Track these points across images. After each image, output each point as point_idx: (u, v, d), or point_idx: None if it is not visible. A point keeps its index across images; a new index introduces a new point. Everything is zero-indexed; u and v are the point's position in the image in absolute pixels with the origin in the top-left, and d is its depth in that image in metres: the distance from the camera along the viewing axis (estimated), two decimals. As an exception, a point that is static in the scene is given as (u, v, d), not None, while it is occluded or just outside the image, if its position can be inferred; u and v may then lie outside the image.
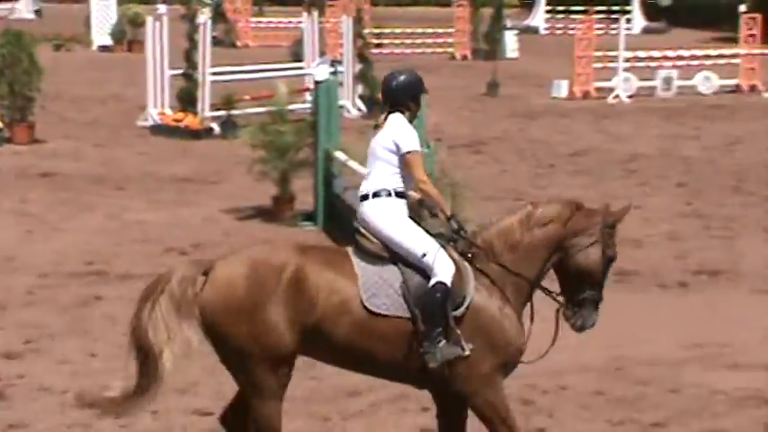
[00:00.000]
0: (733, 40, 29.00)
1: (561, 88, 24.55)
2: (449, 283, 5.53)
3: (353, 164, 10.88)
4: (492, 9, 31.19)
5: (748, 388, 7.59)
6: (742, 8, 27.09)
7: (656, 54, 26.13)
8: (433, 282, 5.54)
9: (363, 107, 20.92)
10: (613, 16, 41.72)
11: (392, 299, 5.57)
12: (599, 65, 24.97)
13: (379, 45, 32.42)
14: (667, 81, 25.41)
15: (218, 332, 5.49)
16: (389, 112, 5.91)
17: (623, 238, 11.43)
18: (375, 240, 5.70)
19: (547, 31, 48.02)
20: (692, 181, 15.14)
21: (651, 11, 51.38)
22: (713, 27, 49.90)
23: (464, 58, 34.58)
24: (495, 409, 5.59)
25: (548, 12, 49.87)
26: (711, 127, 20.45)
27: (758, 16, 26.26)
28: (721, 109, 23.18)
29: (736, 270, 10.61)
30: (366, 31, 24.64)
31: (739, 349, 8.36)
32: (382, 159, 5.83)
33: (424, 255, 5.60)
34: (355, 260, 5.67)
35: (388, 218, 5.72)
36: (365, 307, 5.53)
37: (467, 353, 5.52)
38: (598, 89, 24.62)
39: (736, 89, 25.79)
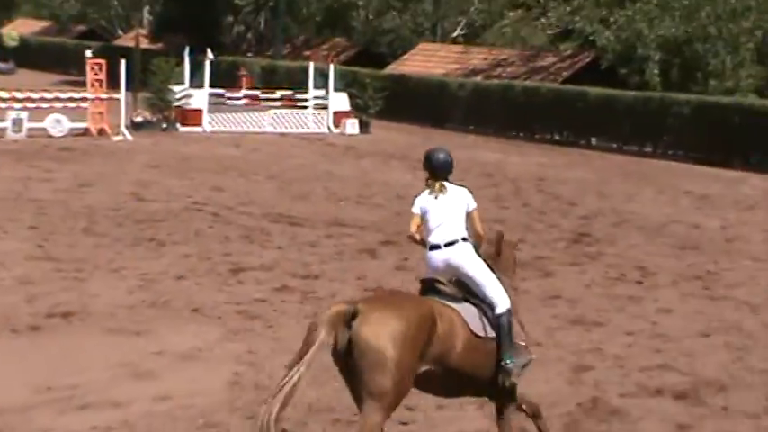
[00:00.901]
0: (81, 84, 29.48)
1: None
2: (510, 309, 7.10)
3: None
4: None
5: (99, 426, 7.76)
6: (88, 53, 27.65)
7: (4, 95, 25.75)
8: (502, 309, 7.06)
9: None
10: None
11: (483, 324, 6.98)
12: (-57, 105, 24.05)
13: None
14: (17, 123, 25.15)
15: (378, 361, 6.26)
16: (439, 180, 7.52)
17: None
18: (451, 285, 7.11)
19: None
20: (45, 223, 15.11)
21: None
22: (62, 70, 50.32)
23: None
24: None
25: None
26: (63, 169, 20.60)
27: (103, 62, 27.00)
28: (72, 151, 23.43)
29: (88, 311, 10.74)
30: None
31: (89, 389, 8.48)
32: (455, 215, 7.40)
33: (492, 287, 7.12)
34: (444, 301, 6.95)
35: (472, 257, 7.27)
36: (472, 332, 6.86)
37: (534, 356, 7.32)
38: (-57, 130, 23.67)
39: (86, 132, 26.28)
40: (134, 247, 13.94)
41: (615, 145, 30.51)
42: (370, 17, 48.25)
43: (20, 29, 60.82)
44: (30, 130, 25.34)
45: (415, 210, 7.58)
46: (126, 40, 54.24)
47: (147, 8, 57.72)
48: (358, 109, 31.86)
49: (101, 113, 26.77)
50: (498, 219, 17.53)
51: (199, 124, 29.22)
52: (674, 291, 12.93)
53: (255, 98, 31.12)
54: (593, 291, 12.75)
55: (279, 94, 31.43)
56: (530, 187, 21.93)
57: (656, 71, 33.89)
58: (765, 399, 9.01)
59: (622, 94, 30.85)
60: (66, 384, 8.57)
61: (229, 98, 30.47)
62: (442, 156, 7.69)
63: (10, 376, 8.69)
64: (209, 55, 29.68)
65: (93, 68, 26.92)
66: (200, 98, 29.34)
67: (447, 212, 7.43)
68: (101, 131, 26.42)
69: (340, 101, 31.35)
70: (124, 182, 19.53)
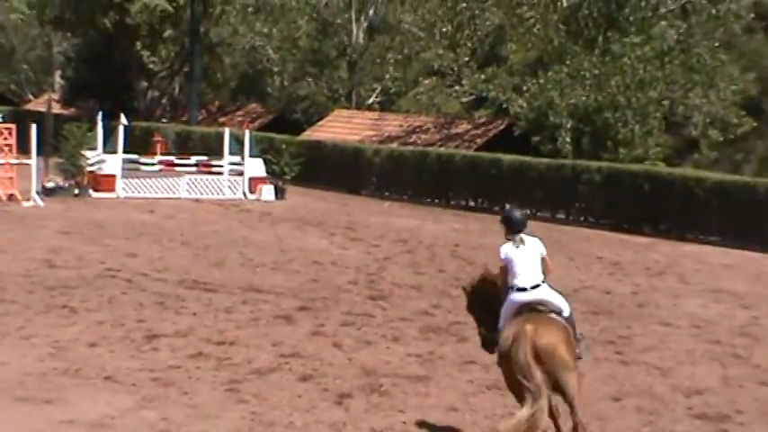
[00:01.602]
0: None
1: None
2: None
3: None
4: None
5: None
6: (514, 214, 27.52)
7: None
8: (569, 314, 9.22)
9: None
10: None
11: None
12: None
13: None
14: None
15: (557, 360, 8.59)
16: (518, 234, 9.21)
17: None
18: (546, 307, 9.12)
19: None
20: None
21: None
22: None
23: None
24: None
25: None
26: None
27: (13, 127, 26.72)
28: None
29: (-2, 379, 10.56)
30: None
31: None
32: (534, 262, 9.16)
33: (563, 302, 9.25)
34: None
35: (554, 294, 9.23)
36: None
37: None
38: None
39: (-4, 198, 25.89)
40: (45, 314, 13.70)
41: (528, 211, 30.93)
42: (286, 83, 48.55)
43: (-74, 92, 59.85)
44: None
45: (503, 256, 9.21)
46: (37, 105, 53.75)
47: (58, 72, 57.33)
48: (274, 175, 31.91)
49: (11, 178, 26.41)
50: (414, 284, 17.65)
51: (112, 190, 28.96)
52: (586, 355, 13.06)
53: (170, 164, 30.99)
54: (509, 356, 12.82)
55: (194, 159, 31.37)
56: (445, 253, 22.09)
57: (567, 139, 34.56)
58: (677, 461, 9.12)
59: (535, 162, 31.35)
60: (-27, 455, 8.36)
61: (143, 163, 30.29)
62: (518, 214, 9.37)
63: None
64: (123, 120, 29.53)
65: (2, 133, 26.61)
66: (113, 163, 29.12)
67: (528, 260, 9.15)
68: (11, 197, 26.05)
69: (256, 167, 31.37)
70: (35, 248, 19.23)
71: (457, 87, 41.38)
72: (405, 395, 10.75)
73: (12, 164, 26.46)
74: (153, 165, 30.60)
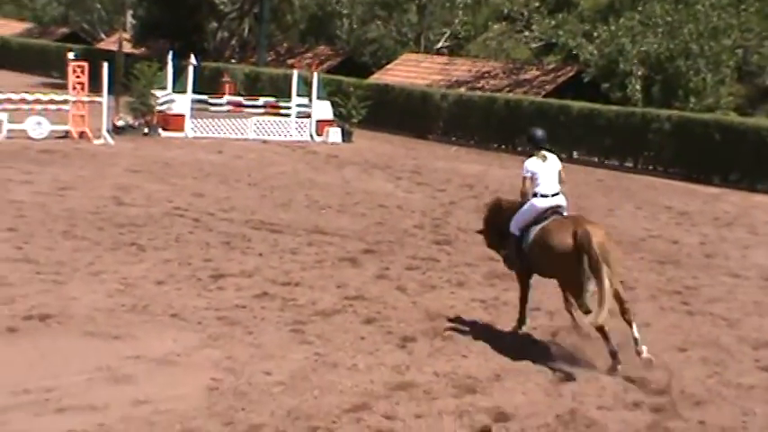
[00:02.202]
0: (63, 87, 29.39)
1: None
2: None
3: None
4: None
5: (75, 430, 7.73)
6: (70, 55, 27.55)
7: (-15, 96, 25.66)
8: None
9: None
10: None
11: None
12: None
13: None
14: (-3, 124, 25.08)
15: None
16: (542, 150, 10.94)
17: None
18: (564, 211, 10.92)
19: None
20: (23, 226, 15.04)
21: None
22: (43, 72, 50.16)
23: None
24: None
25: None
26: (43, 172, 20.52)
27: (85, 65, 26.90)
28: (53, 154, 23.35)
29: (67, 314, 10.71)
30: None
31: (66, 393, 8.45)
32: (554, 174, 10.86)
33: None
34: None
35: (564, 200, 10.95)
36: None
37: None
38: None
39: (67, 135, 26.19)
40: (114, 251, 13.89)
41: (596, 159, 30.61)
42: (355, 26, 48.31)
43: (1, 30, 60.60)
44: (10, 131, 25.25)
45: (527, 173, 10.85)
46: (109, 44, 54.18)
47: (130, 12, 57.60)
48: (341, 117, 31.88)
49: (82, 116, 26.69)
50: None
51: (181, 129, 29.17)
52: (652, 305, 12.97)
53: (238, 104, 31.09)
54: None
55: (262, 101, 31.42)
56: (510, 198, 21.94)
57: (638, 86, 34.07)
58: (742, 414, 9.05)
59: (605, 109, 30.96)
60: (42, 387, 8.53)
61: (212, 104, 30.43)
62: (540, 133, 11.12)
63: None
64: (193, 60, 29.63)
65: (75, 71, 26.83)
66: (182, 103, 29.29)
67: (550, 172, 10.87)
68: (82, 135, 26.35)
69: (323, 109, 31.36)
70: (105, 186, 19.47)
71: (526, 33, 40.92)
72: (468, 340, 10.75)
73: (83, 102, 26.73)
74: (221, 105, 30.73)
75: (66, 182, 19.51)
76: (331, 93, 32.60)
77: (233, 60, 47.10)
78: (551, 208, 10.75)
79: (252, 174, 22.78)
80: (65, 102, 26.69)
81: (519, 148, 32.41)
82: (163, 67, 29.61)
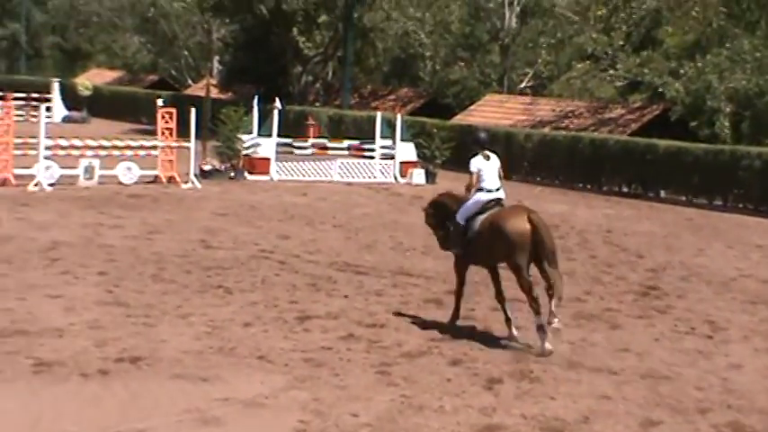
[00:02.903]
0: (152, 133, 29.94)
1: (-21, 175, 23.82)
2: None
3: None
4: None
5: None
6: (159, 102, 28.11)
7: (77, 143, 26.24)
8: None
9: None
10: (33, 103, 41.27)
11: None
12: (19, 152, 24.56)
13: None
14: (89, 170, 25.59)
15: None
16: (485, 150, 12.94)
17: (45, 329, 11.44)
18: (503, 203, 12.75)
19: (-38, 116, 46.33)
20: (114, 269, 15.29)
21: (72, 100, 51.45)
22: (133, 119, 51.18)
23: None
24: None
25: (-34, 96, 48.14)
26: (132, 216, 20.88)
27: (174, 111, 27.41)
28: (142, 199, 23.76)
29: (157, 356, 10.82)
30: None
31: (155, 433, 8.54)
32: (497, 171, 12.77)
33: None
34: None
35: (504, 194, 12.78)
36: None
37: None
38: (18, 176, 24.17)
39: (156, 180, 26.65)
40: (202, 294, 14.04)
41: (684, 198, 30.21)
42: (438, 68, 48.51)
43: (94, 79, 62.04)
44: (101, 177, 25.77)
45: (474, 169, 12.74)
46: (196, 90, 55.14)
47: (216, 58, 58.64)
48: (425, 159, 31.95)
49: (170, 161, 27.15)
50: (565, 271, 17.41)
51: (266, 173, 29.50)
52: (745, 346, 12.69)
53: (323, 147, 31.37)
54: (662, 344, 12.56)
55: (346, 143, 31.66)
56: (597, 239, 21.76)
57: (726, 123, 33.60)
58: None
59: (692, 147, 30.57)
60: (134, 429, 8.62)
61: (297, 147, 30.74)
62: (484, 135, 13.47)
63: (80, 420, 8.77)
64: (278, 104, 30.02)
65: (163, 117, 27.35)
66: (268, 147, 29.65)
67: (492, 170, 12.77)
68: (170, 179, 26.79)
69: (407, 151, 31.49)
70: (192, 229, 19.74)
71: (611, 71, 40.67)
72: (555, 382, 10.63)
73: (172, 147, 27.20)
74: (306, 148, 31.03)
75: (155, 226, 19.81)
76: (415, 134, 32.72)
77: (317, 104, 47.61)
78: (494, 200, 12.65)
79: (336, 215, 22.91)
80: (154, 147, 27.20)
81: (604, 188, 32.15)
82: (248, 112, 30.03)
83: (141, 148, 27.41)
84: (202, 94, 36.26)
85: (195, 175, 27.05)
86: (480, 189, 12.62)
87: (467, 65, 47.52)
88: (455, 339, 12.18)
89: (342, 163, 30.94)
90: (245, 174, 29.09)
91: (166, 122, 27.30)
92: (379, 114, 32.59)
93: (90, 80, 58.50)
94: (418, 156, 31.86)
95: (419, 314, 13.53)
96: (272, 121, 29.71)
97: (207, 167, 28.64)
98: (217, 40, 58.40)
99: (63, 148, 25.80)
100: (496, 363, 11.24)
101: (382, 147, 31.45)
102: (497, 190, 12.66)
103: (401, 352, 11.53)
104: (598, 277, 17.05)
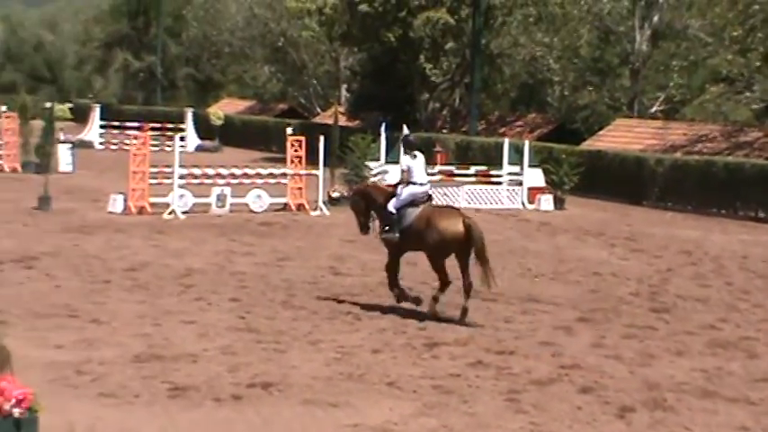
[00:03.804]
0: (281, 161, 30.39)
1: (117, 203, 24.48)
2: None
3: None
4: (43, 122, 30.51)
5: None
6: (289, 130, 28.54)
7: (210, 172, 26.77)
8: None
9: None
10: (168, 133, 42.39)
11: None
12: (154, 181, 25.20)
13: None
14: (221, 198, 26.11)
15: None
16: (413, 151, 14.88)
17: (179, 354, 11.68)
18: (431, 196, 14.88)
19: (102, 146, 47.86)
20: (245, 296, 15.54)
21: (204, 129, 52.65)
22: (263, 147, 52.09)
23: (14, 170, 33.59)
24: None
25: (102, 127, 49.71)
26: (263, 243, 21.20)
27: (303, 139, 27.79)
28: (272, 226, 24.11)
29: (287, 382, 10.93)
30: None
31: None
32: (423, 168, 14.61)
33: None
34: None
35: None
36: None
37: None
38: (154, 204, 24.78)
39: (285, 207, 27.03)
40: (331, 320, 14.16)
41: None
42: (566, 93, 48.13)
43: (225, 108, 63.44)
44: (233, 205, 26.25)
45: (404, 167, 14.76)
46: (324, 118, 55.87)
47: (344, 86, 59.35)
48: (553, 185, 31.69)
49: (300, 189, 27.52)
50: (699, 297, 17.04)
51: (394, 200, 29.58)
52: None
53: (450, 174, 31.38)
54: (803, 374, 12.16)
55: (473, 169, 31.62)
56: (732, 265, 21.23)
57: None
58: None
59: (831, 170, 29.62)
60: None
61: (424, 174, 30.75)
62: (413, 138, 16.27)
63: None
64: (405, 131, 30.17)
65: (293, 145, 27.76)
66: (395, 174, 29.73)
67: (421, 167, 14.73)
68: (300, 207, 27.14)
69: (535, 177, 31.28)
70: (321, 256, 19.94)
71: (747, 94, 39.73)
72: (690, 411, 10.38)
73: (301, 175, 27.57)
74: (433, 175, 31.04)
75: (285, 253, 20.07)
76: (542, 160, 32.50)
77: (444, 130, 47.70)
78: (424, 192, 14.65)
79: (465, 242, 22.80)
80: (283, 175, 27.61)
81: (740, 213, 31.35)
82: (376, 139, 30.25)
83: (271, 176, 27.85)
84: (331, 122, 36.68)
85: (324, 203, 27.35)
86: (413, 183, 14.61)
87: (596, 89, 47.05)
88: (585, 367, 12.00)
89: (469, 189, 30.89)
90: (373, 201, 29.20)
91: (296, 150, 27.70)
92: (506, 140, 32.49)
93: (221, 110, 59.83)
94: (546, 182, 31.61)
95: (548, 341, 13.38)
96: (400, 149, 29.80)
97: (335, 194, 28.91)
98: (344, 69, 59.12)
99: (196, 176, 26.37)
100: (628, 391, 11.04)
101: (510, 173, 31.32)
102: (426, 184, 14.74)
103: (530, 379, 11.41)
104: (734, 304, 16.61)
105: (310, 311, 14.67)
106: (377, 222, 15.23)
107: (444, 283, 14.49)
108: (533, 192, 31.13)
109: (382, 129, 30.35)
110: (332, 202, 28.31)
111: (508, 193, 31.17)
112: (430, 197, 14.82)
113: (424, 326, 14.00)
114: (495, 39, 47.21)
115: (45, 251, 18.55)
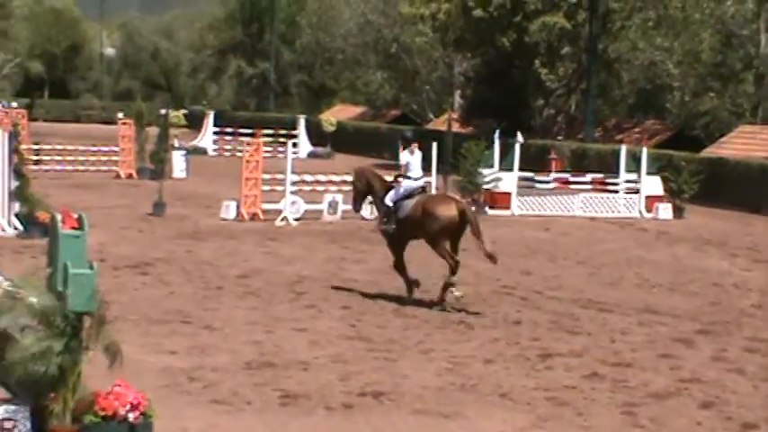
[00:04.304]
0: (394, 168, 30.31)
1: (230, 209, 24.72)
2: None
3: (9, 286, 10.21)
4: (158, 128, 31.07)
5: None
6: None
7: (321, 178, 26.88)
8: None
9: (20, 226, 19.97)
10: (281, 140, 42.76)
11: None
12: (267, 187, 25.40)
13: (38, 162, 31.55)
14: (333, 205, 26.16)
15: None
16: (410, 146, 16.04)
17: (291, 362, 11.68)
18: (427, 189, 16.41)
19: (215, 153, 48.53)
20: (357, 304, 15.50)
21: (316, 136, 52.98)
22: (376, 154, 52.19)
23: (129, 176, 34.24)
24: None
25: (216, 134, 50.39)
26: (374, 251, 21.12)
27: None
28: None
29: (399, 391, 10.84)
30: (24, 146, 23.82)
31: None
32: (420, 163, 15.86)
33: None
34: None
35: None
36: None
37: None
38: (266, 211, 24.97)
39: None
40: (443, 330, 14.02)
41: None
42: (686, 99, 47.13)
43: (338, 114, 63.81)
44: (344, 212, 26.27)
45: (404, 161, 15.98)
46: (437, 124, 55.77)
47: (457, 92, 59.14)
48: (672, 193, 31.00)
49: (413, 196, 27.35)
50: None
51: (508, 207, 29.35)
52: None
53: (565, 181, 30.96)
54: None
55: (589, 177, 31.14)
56: None
57: None
58: None
59: None
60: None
61: (538, 181, 30.47)
62: (410, 134, 16.72)
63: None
64: (519, 138, 29.88)
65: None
66: (509, 181, 29.52)
67: (418, 162, 15.87)
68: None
69: (653, 185, 30.64)
70: (433, 263, 19.75)
71: None
72: (818, 430, 9.95)
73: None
74: (548, 182, 30.71)
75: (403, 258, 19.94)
76: (661, 168, 31.81)
77: (559, 137, 47.13)
78: (420, 187, 15.78)
79: (579, 251, 22.49)
80: (396, 182, 27.48)
81: None
82: (489, 146, 30.00)
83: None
84: (443, 128, 36.58)
85: (437, 210, 27.15)
86: (408, 177, 15.73)
87: (717, 95, 45.94)
88: (705, 381, 11.64)
89: (584, 197, 30.41)
90: (486, 208, 29.02)
91: (409, 157, 27.54)
92: (623, 147, 31.89)
93: (334, 116, 60.18)
94: (665, 190, 30.93)
95: (667, 354, 13.02)
96: (514, 155, 29.57)
97: (448, 202, 28.69)
98: (458, 75, 58.91)
99: (308, 183, 26.51)
100: (751, 407, 10.66)
101: (627, 181, 30.73)
102: (421, 178, 15.87)
103: (648, 392, 11.11)
104: None
105: (422, 320, 14.56)
106: (375, 213, 16.92)
107: (452, 265, 15.20)
108: (651, 200, 30.47)
109: (496, 135, 30.08)
110: (445, 209, 28.08)
111: (625, 202, 30.59)
112: (424, 189, 16.02)
113: (538, 336, 13.76)
114: (612, 43, 46.46)
115: (159, 257, 18.80)
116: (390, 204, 15.75)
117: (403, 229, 15.65)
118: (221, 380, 10.96)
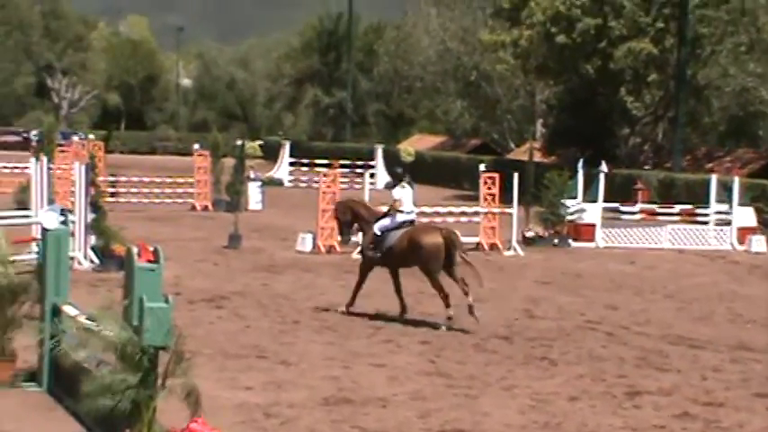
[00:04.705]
0: (474, 198, 29.94)
1: (306, 242, 24.52)
2: None
3: (84, 319, 10.09)
4: (234, 160, 31.08)
5: None
6: (482, 167, 28.01)
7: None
8: None
9: (96, 259, 19.96)
10: (358, 171, 42.55)
11: None
12: (345, 219, 25.10)
13: (113, 194, 31.79)
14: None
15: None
16: (403, 181, 16.96)
17: (369, 398, 11.35)
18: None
19: (291, 184, 48.51)
20: (436, 338, 15.12)
21: (394, 166, 52.52)
22: (455, 184, 51.73)
23: (205, 208, 34.28)
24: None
25: (292, 164, 50.36)
26: (454, 284, 20.63)
27: (497, 176, 27.19)
28: (463, 267, 23.51)
29: (480, 429, 10.49)
30: (100, 178, 23.93)
31: None
32: (411, 198, 16.69)
33: None
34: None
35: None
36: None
37: None
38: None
39: (478, 247, 26.41)
40: (525, 366, 13.59)
41: None
42: (781, 126, 46.01)
43: (416, 144, 63.58)
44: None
45: (397, 196, 16.60)
46: (518, 154, 55.20)
47: (539, 121, 58.57)
48: (766, 225, 30.07)
49: (493, 228, 26.93)
50: None
51: (592, 239, 28.72)
52: None
53: (652, 212, 30.26)
54: None
55: (677, 208, 30.40)
56: None
57: None
58: None
59: None
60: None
61: (624, 212, 29.81)
62: (401, 170, 17.76)
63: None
64: (604, 167, 29.28)
65: (486, 182, 27.20)
66: (593, 212, 28.90)
67: (410, 197, 16.65)
68: (492, 246, 26.56)
69: (745, 216, 29.76)
70: (515, 298, 19.36)
71: None
72: None
73: (494, 213, 27.01)
74: (634, 213, 30.03)
75: (477, 294, 19.42)
76: (754, 198, 30.94)
77: (646, 167, 46.21)
78: (409, 221, 16.58)
79: (667, 285, 21.88)
80: (476, 213, 27.13)
81: None
82: (573, 176, 29.46)
83: (463, 214, 27.44)
84: (525, 158, 36.08)
85: (518, 242, 26.69)
86: (400, 211, 16.46)
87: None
88: (807, 424, 11.02)
89: (672, 229, 29.64)
90: (570, 240, 28.43)
91: (489, 188, 27.14)
92: (713, 177, 31.09)
93: (412, 146, 59.93)
94: (758, 221, 30.04)
95: (762, 393, 12.44)
96: (598, 186, 28.98)
97: (529, 234, 28.25)
98: (540, 103, 58.35)
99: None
100: None
101: (717, 212, 29.89)
102: (412, 212, 16.74)
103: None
104: None
105: (503, 356, 14.15)
106: (360, 236, 17.44)
107: (445, 296, 15.91)
108: (744, 232, 29.58)
109: (580, 165, 29.52)
110: (526, 241, 27.64)
111: (715, 234, 29.74)
112: (413, 222, 16.79)
113: (625, 373, 13.24)
114: (702, 69, 45.49)
115: (235, 290, 18.62)
116: (379, 233, 16.40)
117: (388, 257, 16.34)
118: (298, 416, 10.69)
